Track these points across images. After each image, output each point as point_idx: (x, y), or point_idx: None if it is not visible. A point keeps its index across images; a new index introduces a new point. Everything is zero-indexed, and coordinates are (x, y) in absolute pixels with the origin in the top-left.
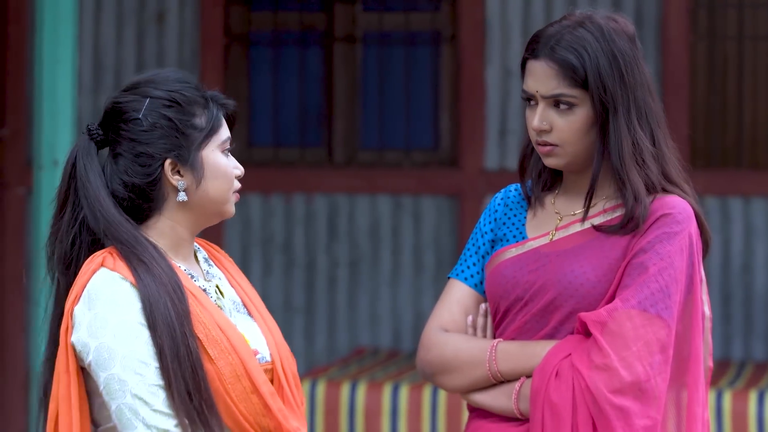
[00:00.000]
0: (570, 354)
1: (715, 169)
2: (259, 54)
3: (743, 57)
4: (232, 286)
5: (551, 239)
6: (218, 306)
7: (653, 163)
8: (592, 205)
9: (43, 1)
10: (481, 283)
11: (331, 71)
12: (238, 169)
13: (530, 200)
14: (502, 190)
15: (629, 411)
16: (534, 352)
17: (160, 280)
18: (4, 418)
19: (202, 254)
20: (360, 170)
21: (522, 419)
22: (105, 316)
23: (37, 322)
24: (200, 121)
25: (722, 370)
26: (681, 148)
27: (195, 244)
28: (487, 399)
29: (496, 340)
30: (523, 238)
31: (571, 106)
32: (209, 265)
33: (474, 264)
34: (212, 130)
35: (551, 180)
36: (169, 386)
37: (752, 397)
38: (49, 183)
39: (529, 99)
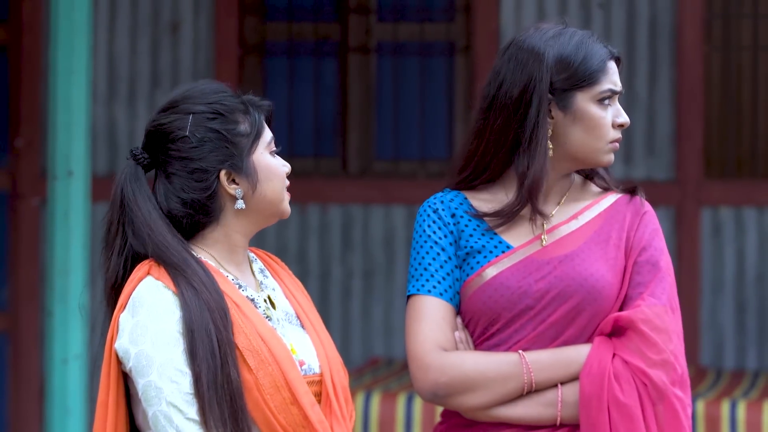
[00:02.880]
0: (615, 355)
1: (729, 179)
2: (273, 64)
3: (758, 67)
4: (286, 298)
5: (543, 245)
6: (266, 316)
7: None
8: (561, 202)
9: (58, 11)
10: (456, 295)
11: (346, 81)
12: (286, 167)
13: (477, 211)
14: (434, 202)
15: (685, 401)
16: (570, 359)
17: (207, 305)
18: (19, 429)
19: (258, 265)
20: (375, 181)
21: (556, 427)
22: (146, 323)
23: (51, 333)
24: (244, 127)
25: (736, 380)
26: (695, 158)
27: (252, 254)
28: (518, 411)
29: (520, 351)
30: (508, 247)
31: None
32: (264, 276)
33: (444, 278)
34: (257, 134)
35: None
36: (200, 398)
37: (766, 408)
38: (63, 193)
39: (605, 102)
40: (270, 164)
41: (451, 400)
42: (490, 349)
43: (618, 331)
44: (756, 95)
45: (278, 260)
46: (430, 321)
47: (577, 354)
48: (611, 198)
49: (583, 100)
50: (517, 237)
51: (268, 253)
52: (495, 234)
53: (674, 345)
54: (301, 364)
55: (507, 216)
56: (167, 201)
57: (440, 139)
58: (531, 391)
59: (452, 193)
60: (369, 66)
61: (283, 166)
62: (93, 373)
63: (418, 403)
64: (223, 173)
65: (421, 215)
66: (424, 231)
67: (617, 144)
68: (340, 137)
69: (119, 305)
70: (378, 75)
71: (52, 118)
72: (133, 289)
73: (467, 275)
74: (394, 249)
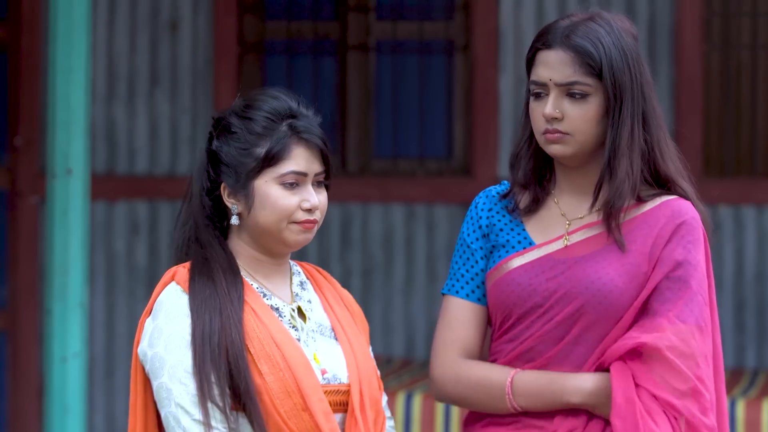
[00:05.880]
0: (638, 386)
1: (728, 178)
2: (272, 63)
3: (757, 65)
4: (324, 311)
5: (565, 245)
6: (291, 326)
7: (641, 160)
8: (597, 209)
9: (57, 9)
10: (484, 296)
11: (345, 80)
12: (307, 202)
13: (516, 206)
14: (479, 195)
15: (714, 427)
16: (563, 390)
17: (215, 290)
18: (18, 428)
19: (298, 278)
20: (373, 179)
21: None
22: (162, 327)
23: (50, 331)
24: (259, 151)
25: (735, 378)
26: (694, 157)
27: (296, 268)
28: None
29: (512, 375)
30: (530, 243)
31: (584, 95)
32: (302, 288)
33: (472, 279)
34: (268, 163)
35: (540, 182)
36: (194, 355)
37: (765, 406)
38: (62, 192)
39: (537, 93)
40: (269, 195)
41: (456, 405)
42: (505, 343)
43: (635, 354)
44: (755, 94)
45: (326, 275)
46: (448, 322)
47: (573, 385)
48: (651, 203)
49: None
50: (543, 235)
51: (318, 268)
52: (524, 230)
53: (701, 369)
54: (323, 372)
55: (516, 206)
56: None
57: (439, 138)
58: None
59: (504, 184)
60: (368, 64)
61: (301, 201)
62: (92, 372)
63: (417, 402)
64: (223, 186)
65: (468, 210)
66: (462, 227)
67: (550, 135)
68: (338, 135)
69: (146, 310)
70: (377, 73)
71: (51, 116)
72: (159, 294)
73: (489, 268)
74: (393, 247)
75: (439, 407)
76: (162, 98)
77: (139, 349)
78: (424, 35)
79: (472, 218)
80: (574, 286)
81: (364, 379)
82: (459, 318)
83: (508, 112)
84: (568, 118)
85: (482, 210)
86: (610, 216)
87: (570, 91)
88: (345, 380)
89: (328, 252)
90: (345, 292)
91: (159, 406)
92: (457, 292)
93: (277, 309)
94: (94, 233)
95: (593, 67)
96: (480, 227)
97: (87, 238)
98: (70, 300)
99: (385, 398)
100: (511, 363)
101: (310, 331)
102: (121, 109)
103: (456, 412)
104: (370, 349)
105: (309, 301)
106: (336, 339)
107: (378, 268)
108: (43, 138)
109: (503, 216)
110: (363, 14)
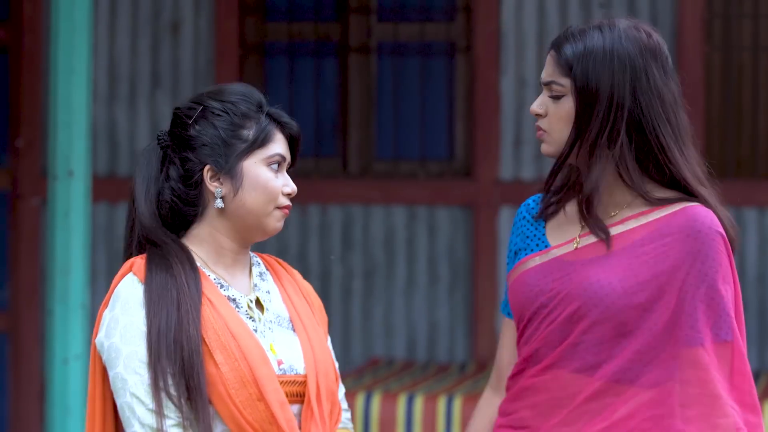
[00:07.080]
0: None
1: (730, 180)
2: (274, 64)
3: (758, 67)
4: (283, 302)
5: (576, 247)
6: (249, 316)
7: (636, 165)
8: (612, 215)
9: (58, 10)
10: None
11: (346, 81)
12: (288, 187)
13: (546, 208)
14: (522, 207)
15: None
16: None
17: (173, 281)
18: (19, 429)
19: (258, 269)
20: (375, 181)
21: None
22: (117, 317)
23: (51, 333)
24: (247, 133)
25: None
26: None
27: (256, 259)
28: None
29: None
30: (546, 246)
31: (559, 95)
32: (262, 279)
33: (505, 293)
34: (258, 144)
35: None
36: (150, 352)
37: (767, 408)
38: (63, 193)
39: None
40: (259, 176)
41: None
42: (521, 346)
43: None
44: (756, 95)
45: (286, 266)
46: (500, 341)
47: None
48: (665, 210)
49: None
50: (559, 237)
51: (278, 260)
52: (543, 234)
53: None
54: (280, 363)
55: (546, 209)
56: (162, 185)
57: (440, 140)
58: None
59: (540, 195)
60: (369, 66)
61: (283, 186)
62: None
63: (418, 404)
64: (207, 168)
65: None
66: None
67: (537, 132)
68: (340, 137)
69: (104, 301)
70: (378, 75)
71: (53, 117)
72: (117, 285)
73: (509, 271)
74: (395, 249)
75: (441, 409)
76: (163, 100)
77: (97, 340)
78: (425, 37)
79: (512, 230)
80: (574, 288)
81: (321, 370)
82: (501, 336)
83: (509, 114)
84: (547, 116)
85: (519, 219)
86: (588, 216)
87: (550, 91)
88: (301, 371)
89: (329, 253)
90: (305, 284)
91: (115, 396)
92: (502, 308)
93: (234, 300)
94: (96, 235)
95: (564, 67)
96: (517, 236)
97: (88, 240)
98: (71, 301)
99: (342, 390)
100: (523, 365)
101: (267, 321)
102: (122, 111)
103: (457, 414)
104: (329, 341)
105: (268, 292)
106: (294, 330)
107: (379, 270)
108: (45, 139)
109: (532, 224)
110: (364, 16)
